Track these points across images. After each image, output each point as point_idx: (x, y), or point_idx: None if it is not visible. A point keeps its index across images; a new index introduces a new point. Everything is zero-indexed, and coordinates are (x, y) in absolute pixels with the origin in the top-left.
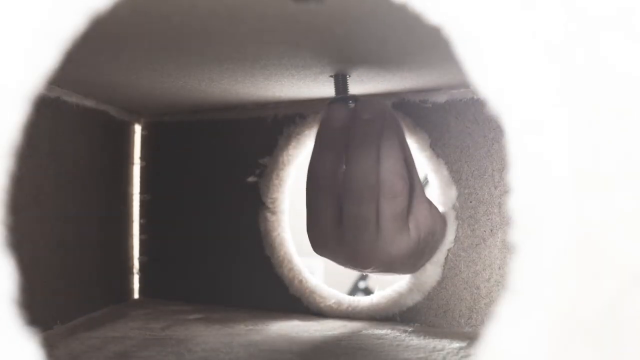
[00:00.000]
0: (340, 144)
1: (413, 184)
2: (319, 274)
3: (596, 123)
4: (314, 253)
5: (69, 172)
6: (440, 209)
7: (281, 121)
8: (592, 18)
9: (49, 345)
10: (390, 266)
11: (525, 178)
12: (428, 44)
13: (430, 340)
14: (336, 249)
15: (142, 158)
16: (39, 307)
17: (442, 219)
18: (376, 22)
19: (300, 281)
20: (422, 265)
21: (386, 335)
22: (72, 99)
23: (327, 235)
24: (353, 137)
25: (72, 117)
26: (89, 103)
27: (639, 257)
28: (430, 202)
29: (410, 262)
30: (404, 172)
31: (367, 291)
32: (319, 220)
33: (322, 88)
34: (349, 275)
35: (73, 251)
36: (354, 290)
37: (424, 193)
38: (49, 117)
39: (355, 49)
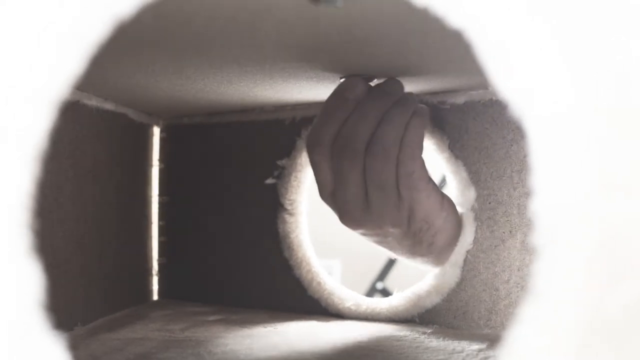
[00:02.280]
0: (345, 115)
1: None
2: (337, 275)
3: (620, 125)
4: (331, 254)
5: (88, 175)
6: (459, 209)
7: (299, 123)
8: (614, 16)
9: (70, 346)
10: (385, 237)
11: (548, 180)
12: (448, 46)
13: (450, 342)
14: (367, 215)
15: (161, 160)
16: (60, 309)
17: (449, 217)
18: (396, 25)
19: (319, 283)
20: (422, 255)
21: (405, 337)
22: (92, 102)
23: (357, 199)
24: (384, 105)
25: (92, 120)
26: (108, 106)
27: None
28: (437, 196)
29: (405, 243)
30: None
31: (385, 292)
32: (346, 188)
33: None
34: (366, 276)
35: (93, 253)
36: (372, 291)
37: (431, 185)
38: (69, 120)
39: (374, 52)
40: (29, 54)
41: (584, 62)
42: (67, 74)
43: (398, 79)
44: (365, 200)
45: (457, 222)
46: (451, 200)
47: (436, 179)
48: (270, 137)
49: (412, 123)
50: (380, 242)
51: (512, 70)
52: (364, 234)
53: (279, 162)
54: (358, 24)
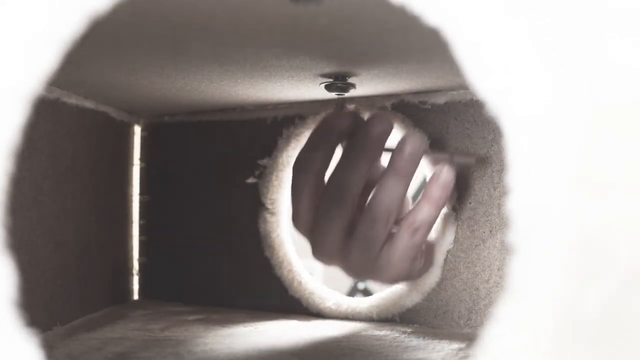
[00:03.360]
0: (330, 148)
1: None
2: (319, 275)
3: (596, 124)
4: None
5: (68, 173)
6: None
7: (281, 122)
8: (592, 17)
9: (48, 346)
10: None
11: (524, 179)
12: (427, 45)
13: (430, 341)
14: (342, 259)
15: (142, 159)
16: (38, 308)
17: (422, 264)
18: (375, 23)
19: (300, 282)
20: (382, 282)
21: (385, 336)
22: (72, 100)
23: (335, 246)
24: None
25: (72, 118)
26: (88, 104)
27: (639, 257)
28: (415, 249)
29: (369, 276)
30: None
31: (367, 292)
32: (327, 233)
33: (322, 90)
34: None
35: (72, 252)
36: (353, 291)
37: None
38: (49, 118)
39: (354, 51)
40: (0, 49)
41: (561, 61)
42: (41, 70)
43: (386, 112)
44: (343, 249)
45: (429, 262)
46: (431, 245)
47: (417, 181)
48: (252, 136)
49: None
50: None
51: (488, 69)
52: (326, 263)
53: (260, 162)
54: (338, 23)
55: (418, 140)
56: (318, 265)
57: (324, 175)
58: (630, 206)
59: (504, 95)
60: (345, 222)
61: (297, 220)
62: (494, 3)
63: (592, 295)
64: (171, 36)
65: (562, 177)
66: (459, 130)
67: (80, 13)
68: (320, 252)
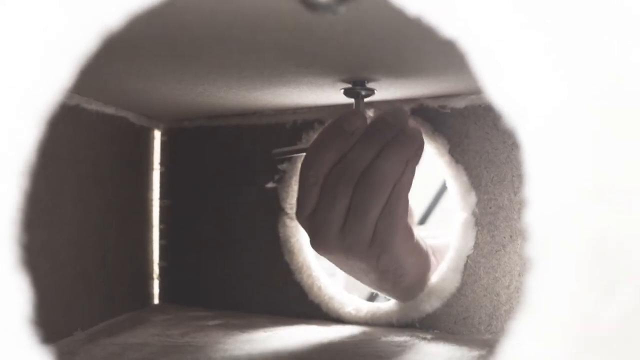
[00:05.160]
0: (342, 146)
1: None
2: (341, 276)
3: (613, 133)
4: None
5: (89, 178)
6: (461, 214)
7: (300, 127)
8: (614, 24)
9: (69, 351)
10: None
11: (542, 190)
12: (445, 52)
13: (449, 347)
14: (334, 243)
15: (162, 164)
16: (59, 314)
17: (417, 262)
18: (392, 32)
19: (320, 287)
20: (387, 291)
21: (405, 342)
22: (92, 106)
23: (329, 229)
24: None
25: (92, 124)
26: (108, 110)
27: None
28: (410, 240)
29: (371, 276)
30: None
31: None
32: (328, 213)
33: (341, 95)
34: None
35: (93, 257)
36: (375, 294)
37: (407, 228)
38: (69, 124)
39: (372, 58)
40: (15, 67)
41: (577, 72)
42: (56, 86)
43: (401, 106)
44: (341, 230)
45: (425, 267)
46: (422, 247)
47: (437, 185)
48: (271, 141)
49: (410, 163)
50: (347, 272)
51: (505, 80)
52: (332, 261)
53: (280, 166)
54: (355, 31)
55: (397, 111)
56: None
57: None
58: None
59: (520, 106)
60: (346, 202)
61: (300, 212)
62: (511, 15)
63: (611, 306)
64: (190, 44)
65: (580, 187)
66: (479, 135)
67: (93, 28)
68: (318, 236)
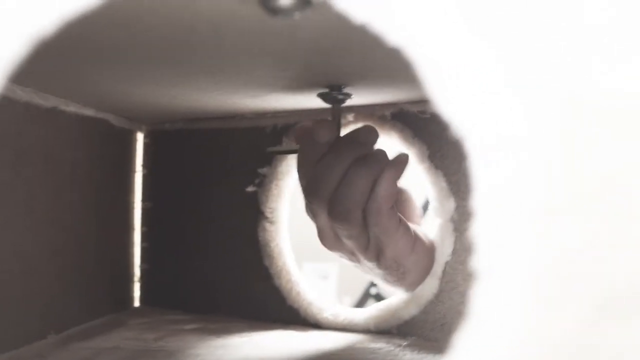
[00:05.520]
0: (317, 158)
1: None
2: (333, 278)
3: (561, 147)
4: (328, 257)
5: (66, 180)
6: (438, 220)
7: (280, 131)
8: (569, 36)
9: (39, 355)
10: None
11: (489, 203)
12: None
13: (425, 354)
14: (336, 244)
15: (144, 166)
16: (33, 317)
17: (419, 259)
18: (351, 39)
19: (298, 293)
20: (393, 284)
21: (380, 349)
22: (70, 108)
23: (325, 232)
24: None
25: (70, 125)
26: (87, 112)
27: (607, 284)
28: (407, 240)
29: (377, 272)
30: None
31: (379, 297)
32: (317, 221)
33: (319, 99)
34: (362, 280)
35: (70, 260)
36: (365, 296)
37: (401, 229)
38: (45, 126)
39: (341, 64)
40: None
41: (530, 87)
42: None
43: (372, 125)
44: (336, 234)
45: (429, 262)
46: (424, 243)
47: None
48: (251, 145)
49: (381, 179)
50: (356, 267)
51: (450, 91)
52: (341, 257)
53: (260, 170)
54: (318, 37)
55: (367, 130)
56: (333, 270)
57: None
58: (598, 231)
59: (467, 117)
60: (326, 215)
61: (306, 205)
62: (459, 25)
63: (560, 322)
64: (157, 46)
65: (528, 202)
66: (458, 141)
67: (22, 34)
68: (320, 236)
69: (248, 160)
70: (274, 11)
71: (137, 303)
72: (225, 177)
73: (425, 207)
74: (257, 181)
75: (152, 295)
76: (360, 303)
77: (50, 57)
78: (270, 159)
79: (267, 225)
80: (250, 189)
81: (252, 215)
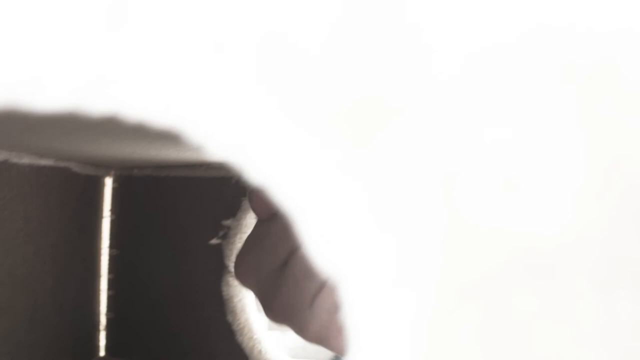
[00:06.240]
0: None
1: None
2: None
3: (440, 296)
4: None
5: (19, 235)
6: None
7: (245, 183)
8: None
9: None
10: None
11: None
12: None
13: None
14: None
15: (112, 211)
16: None
17: None
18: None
19: (260, 351)
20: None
21: None
22: (24, 160)
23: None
24: None
25: (24, 178)
26: (45, 162)
27: None
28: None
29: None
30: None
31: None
32: None
33: None
34: None
35: (22, 316)
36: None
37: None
38: None
39: None
40: None
41: (402, 225)
42: None
43: None
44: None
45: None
46: None
47: None
48: (217, 195)
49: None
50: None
51: (317, 236)
52: None
53: (224, 222)
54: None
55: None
56: None
57: None
58: None
59: (338, 262)
60: None
61: None
62: (326, 166)
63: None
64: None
65: (401, 353)
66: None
67: None
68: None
69: (213, 210)
70: None
71: (102, 352)
72: (191, 227)
73: None
74: (221, 233)
75: (118, 345)
76: None
77: None
78: (234, 211)
79: (231, 280)
80: (214, 241)
81: (217, 268)
